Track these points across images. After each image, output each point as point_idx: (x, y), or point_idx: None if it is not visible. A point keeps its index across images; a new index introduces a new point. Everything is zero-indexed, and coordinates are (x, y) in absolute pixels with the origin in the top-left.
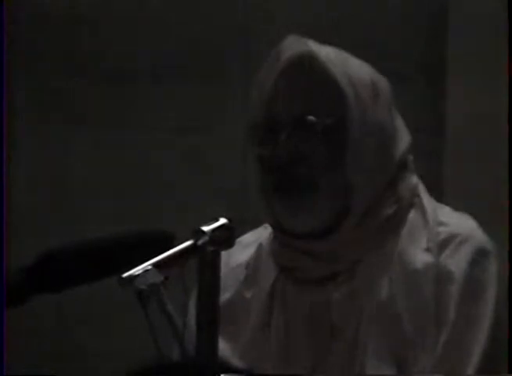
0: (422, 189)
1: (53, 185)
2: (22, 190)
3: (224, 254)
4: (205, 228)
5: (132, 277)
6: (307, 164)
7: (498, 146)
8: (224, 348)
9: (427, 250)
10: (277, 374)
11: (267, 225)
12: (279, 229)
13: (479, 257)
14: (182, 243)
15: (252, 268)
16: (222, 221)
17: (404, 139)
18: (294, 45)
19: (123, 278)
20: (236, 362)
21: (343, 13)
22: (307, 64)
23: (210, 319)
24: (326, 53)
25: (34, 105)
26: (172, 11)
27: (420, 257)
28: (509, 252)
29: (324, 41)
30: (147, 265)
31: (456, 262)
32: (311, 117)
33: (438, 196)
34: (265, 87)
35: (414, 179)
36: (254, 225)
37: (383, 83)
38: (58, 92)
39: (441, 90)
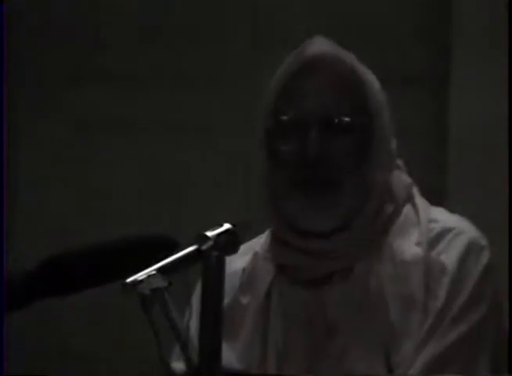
0: (415, 189)
1: (58, 189)
2: (23, 192)
3: None
4: (209, 233)
5: (136, 282)
6: (332, 163)
7: (499, 154)
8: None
9: (418, 244)
10: (275, 374)
11: (261, 235)
12: (286, 227)
13: (472, 250)
14: (186, 248)
15: (248, 274)
16: (226, 226)
17: (394, 140)
18: (320, 44)
19: (126, 283)
20: (234, 363)
21: (345, 15)
22: (334, 63)
23: (214, 323)
24: (348, 55)
25: (38, 105)
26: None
27: (410, 250)
28: (509, 253)
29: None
30: (151, 270)
31: (449, 255)
32: (341, 117)
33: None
34: (288, 82)
35: (408, 179)
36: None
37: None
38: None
39: (443, 99)
